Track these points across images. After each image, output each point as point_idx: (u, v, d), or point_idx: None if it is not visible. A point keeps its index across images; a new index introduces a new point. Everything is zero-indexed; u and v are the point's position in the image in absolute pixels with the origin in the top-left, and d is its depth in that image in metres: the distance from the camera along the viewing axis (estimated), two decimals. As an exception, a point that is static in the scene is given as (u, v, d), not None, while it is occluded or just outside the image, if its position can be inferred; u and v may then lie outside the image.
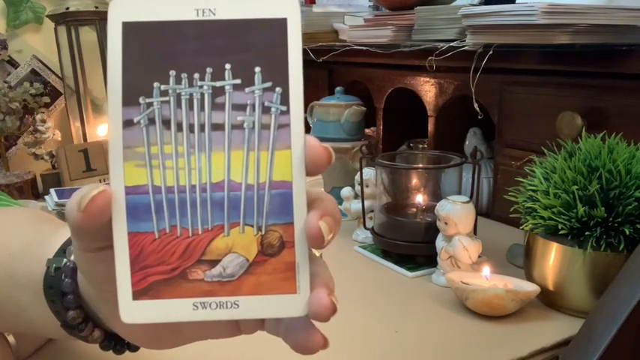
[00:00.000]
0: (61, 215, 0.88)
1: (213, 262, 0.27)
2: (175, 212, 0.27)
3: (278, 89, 0.27)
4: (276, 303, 0.28)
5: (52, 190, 0.97)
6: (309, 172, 0.27)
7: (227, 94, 0.27)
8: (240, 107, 0.27)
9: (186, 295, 0.27)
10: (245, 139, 0.27)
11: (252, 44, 0.27)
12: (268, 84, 0.27)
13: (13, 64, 1.28)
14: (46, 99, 1.21)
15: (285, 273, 0.27)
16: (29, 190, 1.12)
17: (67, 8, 1.17)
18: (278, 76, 0.27)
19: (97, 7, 1.19)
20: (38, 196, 1.14)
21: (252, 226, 0.27)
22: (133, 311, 0.27)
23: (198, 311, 0.27)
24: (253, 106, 0.27)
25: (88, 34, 1.22)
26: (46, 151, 1.21)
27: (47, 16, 1.23)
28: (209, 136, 0.27)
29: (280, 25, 0.27)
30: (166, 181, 0.27)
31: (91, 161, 1.13)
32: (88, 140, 1.23)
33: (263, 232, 0.27)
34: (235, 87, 0.27)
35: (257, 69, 0.27)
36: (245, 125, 0.27)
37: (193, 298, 0.27)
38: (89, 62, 1.23)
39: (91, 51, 1.22)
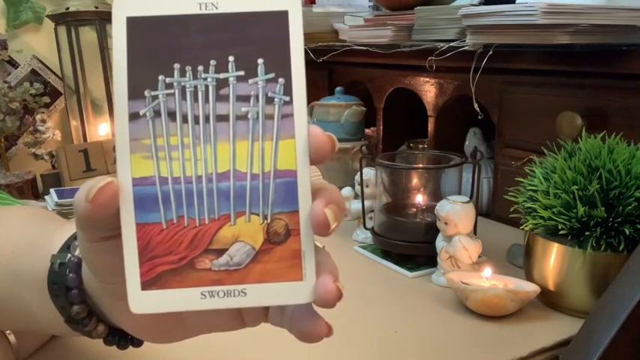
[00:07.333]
0: (62, 215, 0.88)
1: (220, 251, 0.28)
2: (182, 202, 0.27)
3: (281, 80, 0.27)
4: (282, 290, 0.28)
5: (52, 190, 0.97)
6: (313, 161, 0.28)
7: (231, 86, 0.28)
8: (244, 98, 0.28)
9: (194, 285, 0.28)
10: (249, 129, 0.28)
11: (254, 37, 0.27)
12: (271, 75, 0.27)
13: (13, 64, 1.28)
14: (46, 99, 1.21)
15: (291, 260, 0.28)
16: (29, 190, 1.12)
17: (67, 8, 1.17)
18: (280, 67, 0.27)
19: (97, 7, 1.19)
20: (38, 196, 1.13)
21: (258, 214, 0.28)
22: (142, 301, 0.27)
23: (207, 300, 0.28)
24: (257, 97, 0.28)
25: (88, 34, 1.22)
26: (46, 151, 1.21)
27: (47, 16, 1.23)
28: (214, 127, 0.28)
29: (282, 17, 0.27)
30: (173, 172, 0.27)
31: (91, 161, 1.13)
32: (88, 140, 1.23)
33: (269, 221, 0.28)
34: (239, 79, 0.28)
35: (260, 61, 0.27)
36: (249, 116, 0.28)
37: (201, 287, 0.28)
38: (89, 62, 1.23)
39: (91, 51, 1.22)
